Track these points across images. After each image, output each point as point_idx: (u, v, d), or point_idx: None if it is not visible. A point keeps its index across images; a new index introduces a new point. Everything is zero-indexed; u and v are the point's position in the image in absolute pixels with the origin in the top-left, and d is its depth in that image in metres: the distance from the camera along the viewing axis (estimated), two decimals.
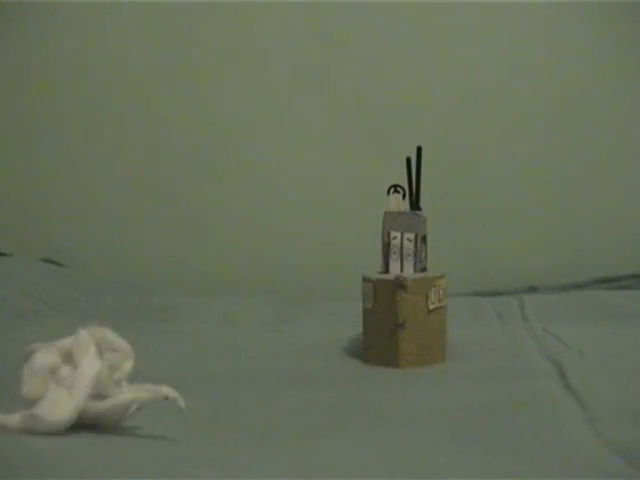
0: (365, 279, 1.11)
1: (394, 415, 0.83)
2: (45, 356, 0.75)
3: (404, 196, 1.14)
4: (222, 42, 1.96)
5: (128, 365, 0.77)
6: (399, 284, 1.06)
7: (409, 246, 1.11)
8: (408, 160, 1.14)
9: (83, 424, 0.72)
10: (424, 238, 1.14)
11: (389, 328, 1.07)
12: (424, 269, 1.14)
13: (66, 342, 0.76)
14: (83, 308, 1.53)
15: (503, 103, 1.91)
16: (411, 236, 1.11)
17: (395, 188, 1.14)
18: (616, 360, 1.06)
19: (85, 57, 1.99)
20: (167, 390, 0.74)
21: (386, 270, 1.13)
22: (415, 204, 1.15)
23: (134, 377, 0.76)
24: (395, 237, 1.12)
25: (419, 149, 1.13)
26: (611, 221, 1.89)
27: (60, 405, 0.71)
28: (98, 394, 0.74)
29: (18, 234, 2.00)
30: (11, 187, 2.04)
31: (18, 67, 2.01)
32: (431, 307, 1.08)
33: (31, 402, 0.72)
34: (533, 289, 1.76)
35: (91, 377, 0.73)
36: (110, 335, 0.77)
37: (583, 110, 1.89)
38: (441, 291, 1.10)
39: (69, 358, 0.75)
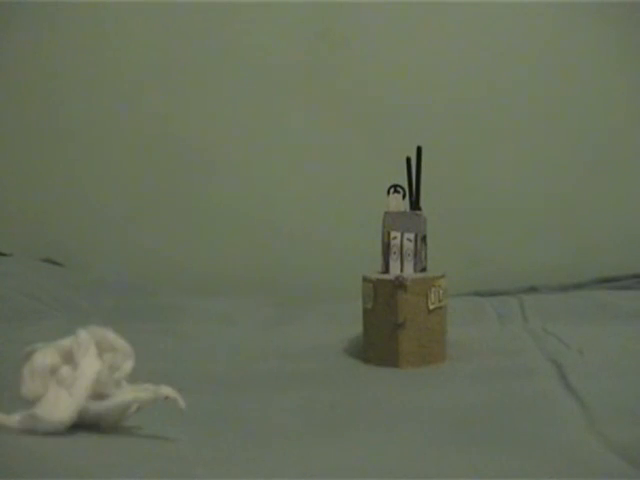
0: (365, 279, 1.11)
1: (394, 415, 0.83)
2: (45, 356, 0.74)
3: (404, 196, 1.14)
4: (222, 42, 1.96)
5: (128, 365, 0.76)
6: (399, 284, 1.05)
7: (409, 246, 1.11)
8: (408, 160, 1.14)
9: (83, 424, 0.72)
10: (424, 238, 1.14)
11: (389, 328, 1.07)
12: (424, 269, 1.14)
13: (66, 342, 0.76)
14: (83, 308, 1.53)
15: (503, 103, 1.91)
16: (411, 236, 1.11)
17: (395, 188, 1.14)
18: (616, 360, 1.06)
19: (84, 57, 2.00)
20: (167, 390, 0.74)
21: (386, 270, 1.13)
22: (415, 204, 1.15)
23: (134, 377, 0.76)
24: (395, 237, 1.12)
25: (419, 149, 1.13)
26: (611, 221, 1.89)
27: (60, 405, 0.71)
28: (98, 394, 0.73)
29: (18, 234, 2.00)
30: (11, 187, 2.04)
31: (18, 68, 2.01)
32: (431, 307, 1.08)
33: (31, 402, 0.72)
34: (533, 289, 1.77)
35: (91, 377, 0.73)
36: (110, 335, 0.77)
37: (583, 110, 1.89)
38: (441, 291, 1.10)
39: (69, 358, 0.75)
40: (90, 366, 0.74)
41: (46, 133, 2.02)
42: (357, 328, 1.15)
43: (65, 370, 0.74)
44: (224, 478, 0.64)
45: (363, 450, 0.72)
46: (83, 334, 0.76)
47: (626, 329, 1.28)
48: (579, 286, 1.75)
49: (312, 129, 1.95)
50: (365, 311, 1.12)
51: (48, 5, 1.97)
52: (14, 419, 0.71)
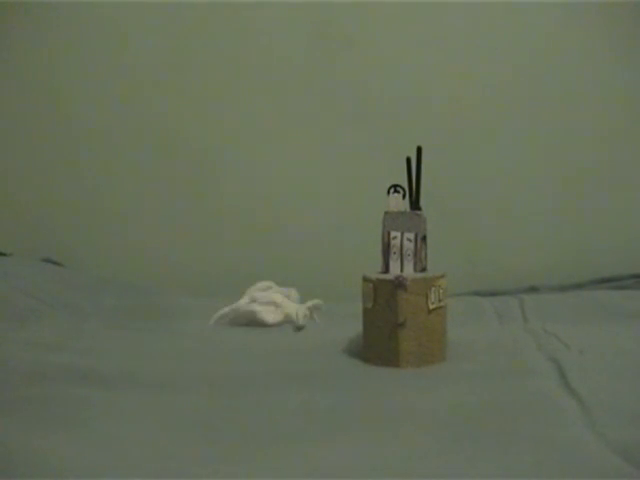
0: (365, 279, 1.11)
1: (394, 415, 0.83)
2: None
3: (404, 196, 1.14)
4: (224, 43, 1.96)
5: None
6: (399, 284, 1.05)
7: (409, 246, 1.11)
8: (408, 160, 1.14)
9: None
10: (424, 238, 1.14)
11: (389, 328, 1.07)
12: (424, 269, 1.14)
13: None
14: (83, 308, 1.53)
15: (503, 103, 1.91)
16: (411, 236, 1.11)
17: (395, 188, 1.14)
18: (616, 360, 1.06)
19: (87, 58, 2.00)
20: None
21: (386, 270, 1.13)
22: (415, 204, 1.15)
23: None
24: (395, 237, 1.12)
25: (419, 149, 1.13)
26: (611, 221, 1.89)
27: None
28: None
29: (18, 234, 2.00)
30: (11, 187, 2.04)
31: (19, 69, 2.02)
32: (431, 307, 1.07)
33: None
34: (533, 289, 1.77)
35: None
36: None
37: (583, 111, 1.90)
38: (441, 291, 1.10)
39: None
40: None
41: (46, 133, 2.02)
42: (357, 328, 1.15)
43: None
44: (224, 478, 0.64)
45: (363, 450, 0.72)
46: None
47: (626, 329, 1.28)
48: (579, 286, 1.75)
49: (313, 129, 1.95)
50: (365, 311, 1.12)
51: (51, 5, 1.97)
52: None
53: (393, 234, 1.12)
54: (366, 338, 1.12)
